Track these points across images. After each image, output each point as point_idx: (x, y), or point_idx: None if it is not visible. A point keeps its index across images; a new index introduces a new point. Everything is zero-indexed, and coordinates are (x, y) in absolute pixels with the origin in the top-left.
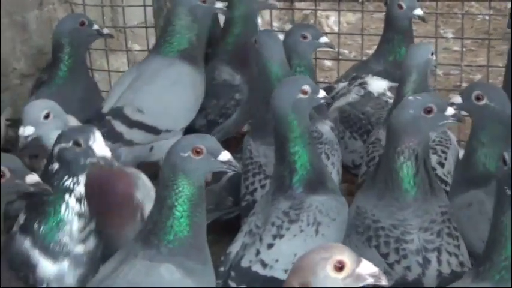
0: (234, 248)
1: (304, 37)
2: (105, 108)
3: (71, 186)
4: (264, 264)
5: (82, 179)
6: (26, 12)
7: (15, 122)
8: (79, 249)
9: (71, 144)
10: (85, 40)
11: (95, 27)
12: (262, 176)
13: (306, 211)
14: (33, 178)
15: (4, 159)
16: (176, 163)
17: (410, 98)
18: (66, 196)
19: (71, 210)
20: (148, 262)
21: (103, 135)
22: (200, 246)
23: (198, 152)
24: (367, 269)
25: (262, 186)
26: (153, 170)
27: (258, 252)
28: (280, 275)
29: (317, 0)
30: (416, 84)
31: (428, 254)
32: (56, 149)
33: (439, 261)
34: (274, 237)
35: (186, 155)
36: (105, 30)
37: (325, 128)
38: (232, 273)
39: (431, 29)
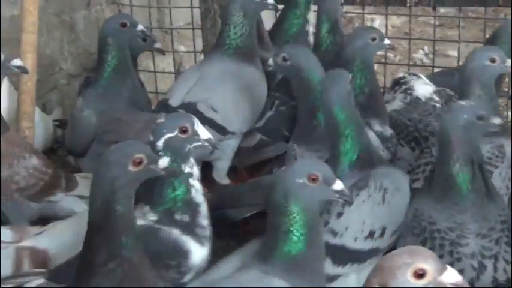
0: None
1: (373, 39)
2: (174, 102)
3: (189, 170)
4: (334, 233)
5: (194, 161)
6: (73, 12)
7: (63, 123)
8: (210, 232)
9: (176, 132)
10: (127, 41)
11: (140, 28)
12: None
13: (373, 177)
14: (164, 162)
15: (137, 146)
16: (290, 189)
17: (462, 103)
18: (191, 180)
19: (199, 192)
20: (261, 273)
21: None
22: (316, 267)
23: (313, 179)
24: (451, 278)
25: None
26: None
27: (327, 223)
28: (350, 243)
29: (364, 4)
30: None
31: (485, 260)
32: (161, 142)
33: (495, 268)
34: (343, 205)
35: (301, 181)
36: (157, 45)
37: (387, 129)
38: None
39: (478, 33)
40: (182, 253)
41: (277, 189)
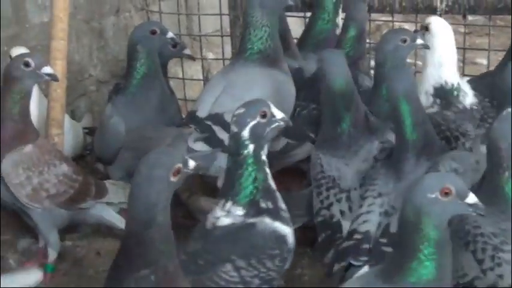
0: (366, 227)
1: (404, 41)
2: (201, 113)
3: (264, 158)
4: None
5: (266, 147)
6: (103, 19)
7: (92, 130)
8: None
9: (258, 118)
10: (157, 48)
11: (169, 35)
12: (337, 189)
13: (442, 162)
14: (192, 163)
15: (174, 155)
16: (421, 205)
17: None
18: (267, 169)
19: (272, 179)
20: None
21: (204, 140)
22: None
23: (446, 194)
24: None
25: (338, 200)
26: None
27: None
28: None
29: (393, 11)
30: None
31: None
32: (247, 131)
33: None
34: None
35: (433, 196)
36: (187, 51)
37: None
38: (383, 240)
39: (506, 41)
40: (281, 239)
41: (408, 205)
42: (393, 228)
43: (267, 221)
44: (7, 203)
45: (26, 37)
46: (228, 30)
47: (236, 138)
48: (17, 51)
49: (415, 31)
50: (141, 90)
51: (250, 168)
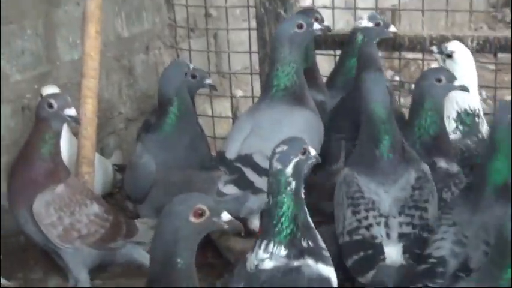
0: (441, 252)
1: (439, 80)
2: (230, 154)
3: (302, 194)
4: None
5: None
6: (132, 56)
7: (122, 167)
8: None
9: (299, 155)
10: (191, 90)
11: (208, 81)
12: (376, 213)
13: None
14: (227, 216)
15: (200, 197)
16: None
17: None
18: (305, 206)
19: (309, 216)
20: None
21: (234, 182)
22: None
23: None
24: None
25: (378, 224)
26: None
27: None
28: None
29: (424, 50)
30: None
31: None
32: (291, 168)
33: None
34: None
35: None
36: (208, 81)
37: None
38: (461, 274)
39: None
40: (326, 282)
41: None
42: (474, 264)
43: (311, 263)
44: (38, 242)
45: (56, 75)
46: (257, 67)
47: (280, 175)
48: (47, 90)
49: (437, 53)
50: (174, 130)
51: (291, 206)
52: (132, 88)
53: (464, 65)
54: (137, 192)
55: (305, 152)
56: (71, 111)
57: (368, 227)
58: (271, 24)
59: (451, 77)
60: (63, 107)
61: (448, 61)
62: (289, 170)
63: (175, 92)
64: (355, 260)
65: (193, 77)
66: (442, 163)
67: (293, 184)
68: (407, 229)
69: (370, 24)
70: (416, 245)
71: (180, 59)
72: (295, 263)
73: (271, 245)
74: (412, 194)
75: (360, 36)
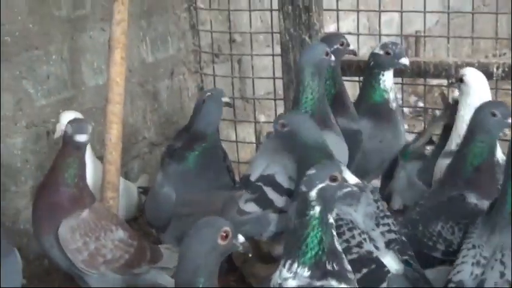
0: (460, 277)
1: (494, 115)
2: (254, 177)
3: (332, 221)
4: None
5: (335, 211)
6: (157, 82)
7: (147, 190)
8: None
9: (327, 181)
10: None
11: (225, 99)
12: (359, 230)
13: None
14: (241, 238)
15: (223, 220)
16: None
17: None
18: (333, 231)
19: (338, 242)
20: None
21: (254, 200)
22: None
23: None
24: None
25: (365, 240)
26: None
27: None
28: None
29: (449, 77)
30: None
31: None
32: (314, 192)
33: None
34: None
35: None
36: (225, 99)
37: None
38: None
39: None
40: None
41: None
42: (488, 284)
43: (334, 284)
44: (63, 267)
45: (81, 100)
46: (280, 92)
47: (304, 197)
48: (66, 115)
49: (450, 83)
50: (199, 164)
51: (315, 230)
52: (156, 113)
53: (475, 87)
54: (158, 221)
55: (336, 179)
56: (80, 137)
57: (359, 245)
58: (295, 50)
59: (507, 113)
60: (75, 132)
61: (461, 85)
62: (313, 194)
63: (213, 129)
64: (360, 279)
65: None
66: (472, 198)
67: (317, 209)
68: (390, 236)
69: (381, 53)
70: (407, 246)
71: (218, 90)
72: (318, 284)
73: (295, 265)
74: (377, 206)
75: (371, 62)
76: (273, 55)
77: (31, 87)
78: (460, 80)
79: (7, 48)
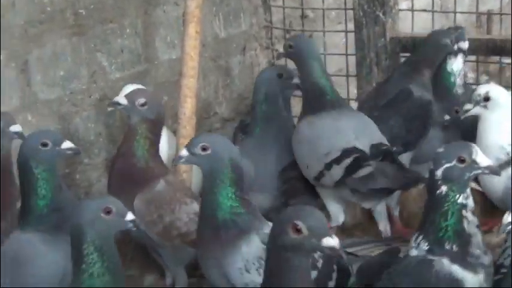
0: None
1: None
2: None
3: (464, 201)
4: None
5: (469, 191)
6: (229, 57)
7: None
8: (487, 260)
9: (454, 162)
10: (282, 92)
11: (295, 80)
12: None
13: None
14: (329, 241)
15: (304, 213)
16: None
17: None
18: (464, 212)
19: (472, 224)
20: None
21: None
22: None
23: None
24: None
25: None
26: None
27: None
28: None
29: None
30: None
31: None
32: (440, 171)
33: None
34: None
35: None
36: (295, 80)
37: None
38: None
39: None
40: (455, 283)
41: None
42: None
43: (445, 261)
44: (137, 239)
45: (154, 74)
46: (351, 70)
47: (431, 175)
48: (130, 88)
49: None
50: (267, 133)
51: (441, 208)
52: (228, 89)
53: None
54: None
55: (464, 160)
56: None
57: None
58: (369, 26)
59: None
60: (135, 99)
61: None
62: (439, 173)
63: (265, 94)
64: None
65: (280, 76)
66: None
67: (443, 188)
68: None
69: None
70: None
71: (281, 65)
72: (430, 257)
73: (420, 237)
74: None
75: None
76: (346, 31)
77: (105, 60)
78: (486, 99)
79: (82, 21)
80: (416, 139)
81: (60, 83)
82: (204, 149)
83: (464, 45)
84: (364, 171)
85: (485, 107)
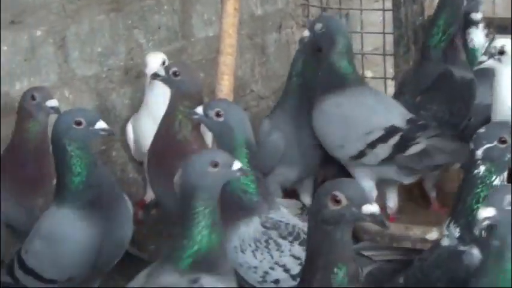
0: None
1: None
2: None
3: (498, 182)
4: None
5: (505, 175)
6: (265, 35)
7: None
8: None
9: (495, 142)
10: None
11: None
12: None
13: None
14: (369, 208)
15: (342, 184)
16: None
17: None
18: None
19: None
20: None
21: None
22: None
23: None
24: None
25: None
26: None
27: None
28: None
29: None
30: None
31: None
32: (481, 151)
33: None
34: None
35: None
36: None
37: None
38: None
39: None
40: None
41: None
42: None
43: (475, 252)
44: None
45: (191, 51)
46: (388, 48)
47: (471, 155)
48: (153, 57)
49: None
50: (299, 105)
51: (477, 189)
52: (264, 66)
53: None
54: (264, 168)
55: (505, 141)
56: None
57: None
58: (407, 5)
59: None
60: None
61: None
62: (479, 153)
63: (302, 66)
64: None
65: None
66: None
67: (481, 168)
68: None
69: None
70: None
71: None
72: (461, 248)
73: (452, 223)
74: None
75: None
76: (383, 10)
77: (142, 37)
78: (501, 53)
79: None
80: (460, 121)
81: (97, 60)
82: (218, 114)
83: (476, 16)
84: (415, 149)
85: (499, 60)
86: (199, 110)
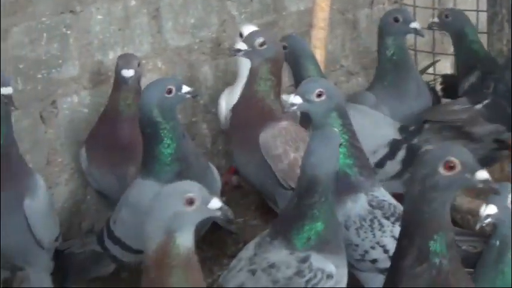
0: None
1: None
2: None
3: None
4: None
5: None
6: (357, 10)
7: None
8: None
9: None
10: (400, 37)
11: (413, 25)
12: None
13: None
14: (483, 174)
15: (454, 150)
16: None
17: None
18: None
19: None
20: None
21: None
22: None
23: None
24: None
25: None
26: None
27: None
28: None
29: None
30: None
31: None
32: None
33: None
34: None
35: None
36: (413, 25)
37: None
38: None
39: None
40: None
41: None
42: None
43: None
44: (255, 184)
45: (283, 24)
46: (480, 27)
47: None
48: (247, 29)
49: None
50: (397, 77)
51: None
52: (355, 42)
53: None
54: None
55: None
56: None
57: None
58: None
59: None
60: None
61: None
62: None
63: (388, 35)
64: None
65: (396, 20)
66: None
67: None
68: None
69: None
70: None
71: (400, 9)
72: None
73: None
74: None
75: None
76: None
77: (235, 9)
78: None
79: None
80: None
81: (190, 31)
82: (319, 95)
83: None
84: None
85: None
86: (297, 100)
